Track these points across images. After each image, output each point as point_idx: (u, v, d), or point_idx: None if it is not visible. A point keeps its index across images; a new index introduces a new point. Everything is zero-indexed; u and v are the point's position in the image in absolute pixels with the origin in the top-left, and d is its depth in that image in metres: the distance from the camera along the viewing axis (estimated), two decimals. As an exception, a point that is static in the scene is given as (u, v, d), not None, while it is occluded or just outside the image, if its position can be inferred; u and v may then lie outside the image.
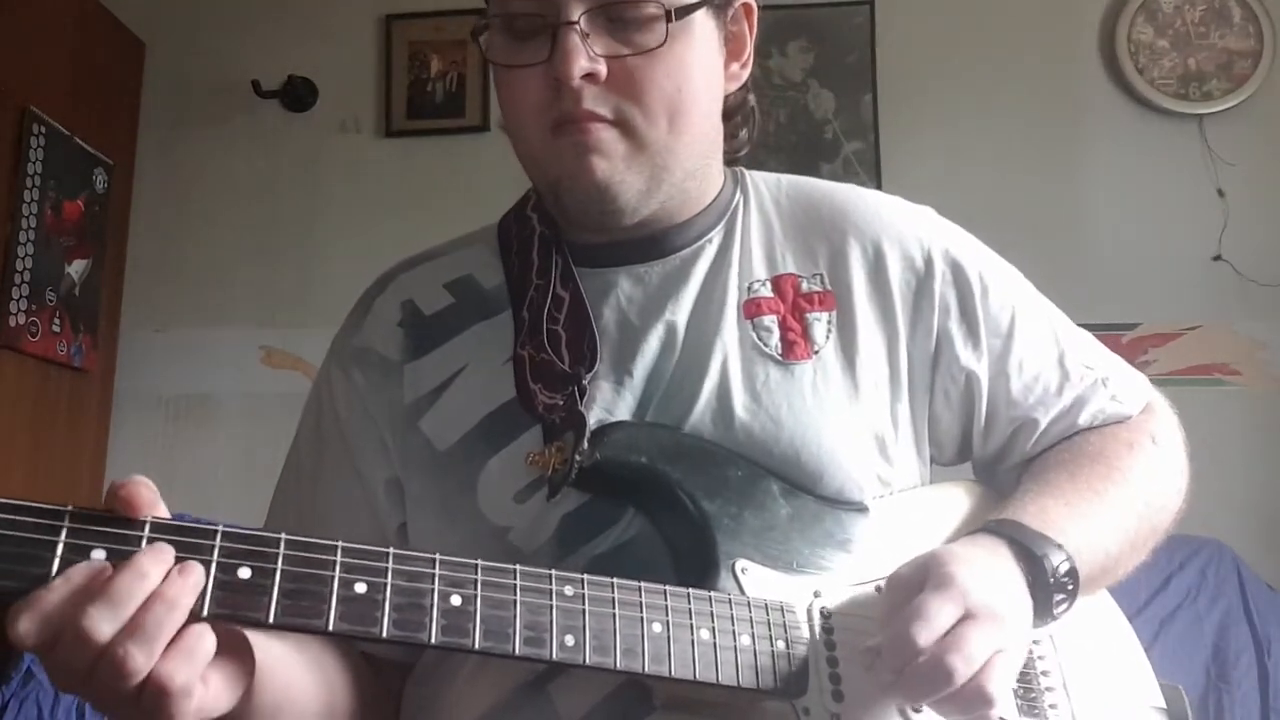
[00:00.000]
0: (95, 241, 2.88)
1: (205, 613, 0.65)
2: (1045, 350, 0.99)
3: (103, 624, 0.61)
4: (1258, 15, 2.87)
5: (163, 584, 0.63)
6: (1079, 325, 1.04)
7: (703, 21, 0.89)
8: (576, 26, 0.83)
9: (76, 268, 2.80)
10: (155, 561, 0.63)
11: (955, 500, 0.98)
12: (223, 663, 0.69)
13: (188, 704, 0.64)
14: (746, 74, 0.98)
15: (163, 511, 0.67)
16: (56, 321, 2.71)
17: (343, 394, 0.97)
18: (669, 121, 0.88)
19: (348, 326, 1.01)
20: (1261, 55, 2.84)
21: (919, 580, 0.78)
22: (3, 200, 2.55)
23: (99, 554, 0.63)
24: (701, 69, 0.90)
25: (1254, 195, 2.80)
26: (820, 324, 0.94)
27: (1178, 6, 2.91)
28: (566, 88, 0.84)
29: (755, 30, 0.97)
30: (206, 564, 0.65)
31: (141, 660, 0.62)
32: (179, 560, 0.64)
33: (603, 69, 0.85)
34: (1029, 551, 0.83)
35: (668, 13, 0.85)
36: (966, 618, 0.75)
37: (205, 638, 0.65)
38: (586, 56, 0.84)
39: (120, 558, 0.63)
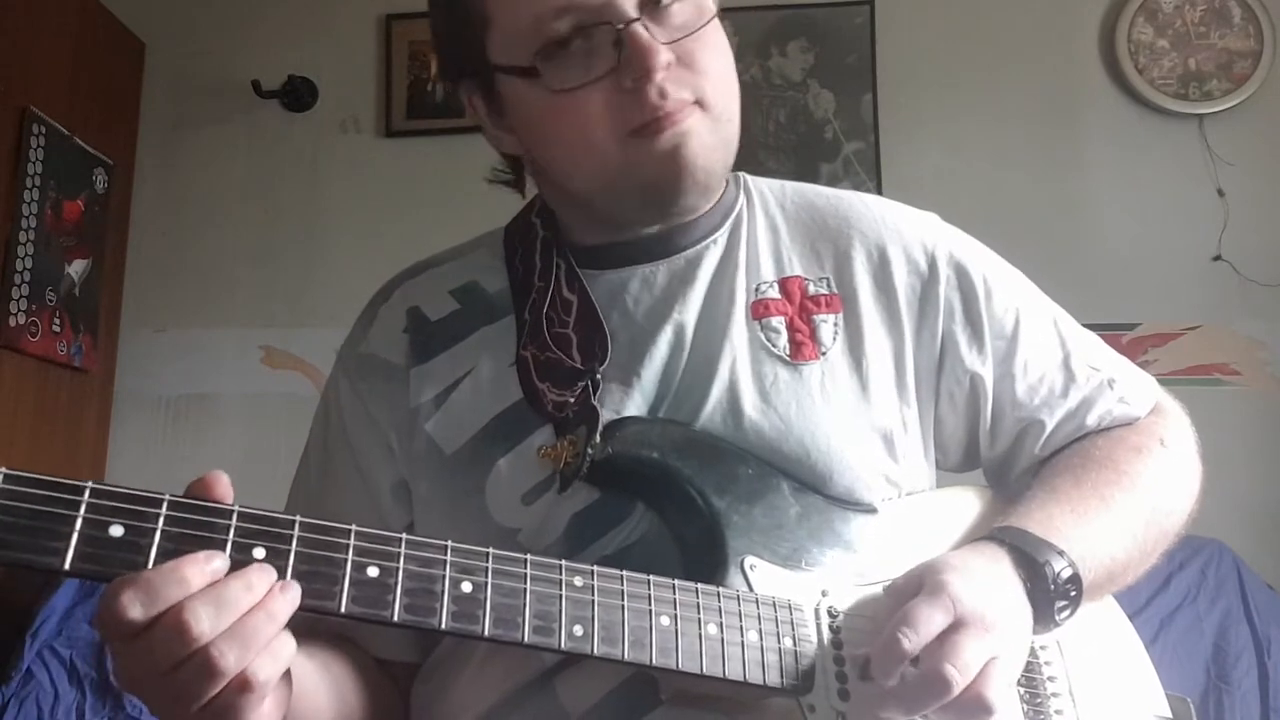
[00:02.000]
0: (95, 241, 2.88)
1: None
2: (1050, 352, 0.99)
3: (205, 621, 0.62)
4: (1258, 15, 2.87)
5: (265, 597, 0.64)
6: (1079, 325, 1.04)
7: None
8: (641, 20, 0.84)
9: (76, 268, 2.80)
10: (264, 577, 0.65)
11: (964, 504, 0.98)
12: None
13: (261, 706, 0.65)
14: None
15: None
16: (56, 321, 2.71)
17: (349, 403, 0.97)
18: (728, 91, 0.90)
19: (354, 335, 1.01)
20: (1261, 55, 2.85)
21: (913, 589, 0.78)
22: (3, 200, 2.55)
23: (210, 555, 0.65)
24: None
25: (1254, 195, 2.81)
26: (827, 326, 0.94)
27: (1178, 6, 2.91)
28: (649, 84, 0.84)
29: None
30: (221, 544, 0.66)
31: (233, 661, 0.62)
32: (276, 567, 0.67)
33: (673, 56, 0.85)
34: (1029, 558, 0.83)
35: None
36: (957, 625, 0.75)
37: (289, 642, 0.66)
38: (664, 46, 0.84)
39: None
